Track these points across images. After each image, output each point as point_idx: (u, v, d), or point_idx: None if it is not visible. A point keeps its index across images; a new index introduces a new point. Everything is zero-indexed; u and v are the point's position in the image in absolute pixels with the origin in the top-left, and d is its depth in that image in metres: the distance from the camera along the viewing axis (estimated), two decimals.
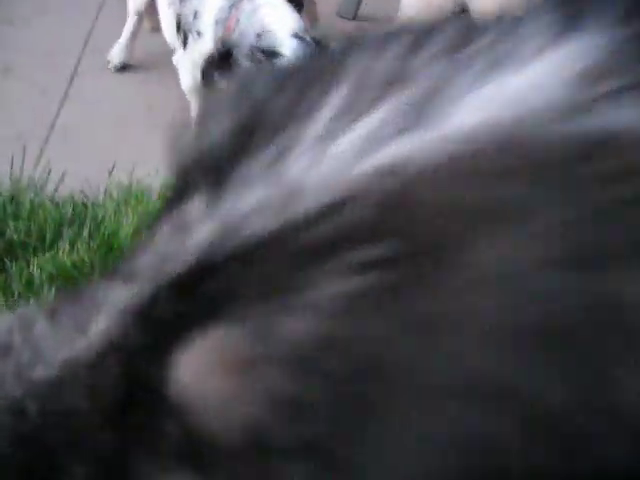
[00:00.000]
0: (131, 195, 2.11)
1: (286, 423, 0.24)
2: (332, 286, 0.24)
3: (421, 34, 0.30)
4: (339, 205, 0.25)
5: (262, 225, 0.26)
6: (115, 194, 2.14)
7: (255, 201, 0.27)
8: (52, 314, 0.32)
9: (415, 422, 0.23)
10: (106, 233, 1.92)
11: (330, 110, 0.28)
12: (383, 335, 0.23)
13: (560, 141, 0.25)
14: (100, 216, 2.01)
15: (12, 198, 2.07)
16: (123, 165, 2.27)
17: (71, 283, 1.78)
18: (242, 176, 0.28)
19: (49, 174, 2.16)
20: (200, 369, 0.26)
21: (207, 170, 0.30)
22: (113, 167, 2.22)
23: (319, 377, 0.24)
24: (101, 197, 2.14)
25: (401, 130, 0.26)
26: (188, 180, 0.31)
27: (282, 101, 0.30)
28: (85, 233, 1.93)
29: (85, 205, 2.08)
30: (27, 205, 2.01)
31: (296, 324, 0.24)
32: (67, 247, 1.86)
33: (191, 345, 0.26)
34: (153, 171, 2.20)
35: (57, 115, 2.64)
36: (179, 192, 0.31)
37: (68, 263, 1.81)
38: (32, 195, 2.09)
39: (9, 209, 2.02)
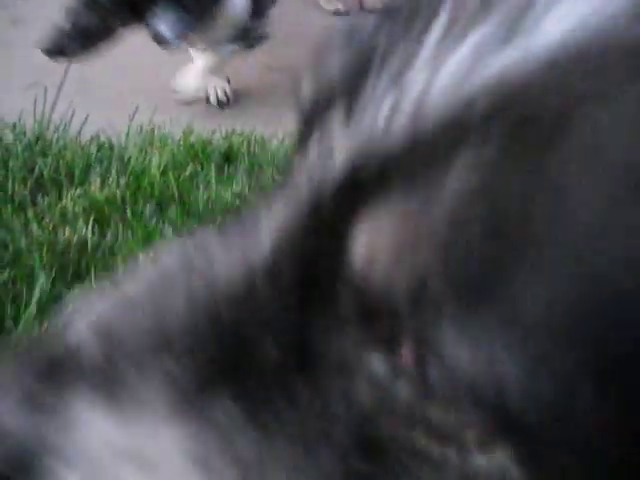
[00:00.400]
0: (154, 138, 2.15)
1: (447, 266, 0.30)
2: (472, 155, 0.30)
3: None
4: (464, 109, 0.31)
5: (399, 132, 0.32)
6: (138, 138, 2.17)
7: (388, 113, 0.33)
8: (224, 237, 0.38)
9: (552, 259, 0.28)
10: (134, 172, 1.96)
11: (436, 34, 0.34)
12: (518, 189, 0.29)
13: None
14: (126, 157, 2.05)
15: (38, 138, 2.10)
16: (140, 112, 2.31)
17: (104, 217, 1.82)
18: (370, 93, 0.34)
19: (72, 116, 2.19)
20: (378, 232, 0.32)
21: (339, 93, 0.36)
22: (135, 111, 2.25)
23: (474, 224, 0.29)
24: (123, 141, 2.17)
25: (502, 43, 0.31)
26: (323, 103, 0.37)
27: (393, 32, 0.36)
28: (113, 172, 1.97)
29: (111, 146, 2.11)
30: (54, 144, 2.04)
31: (451, 186, 0.30)
32: (98, 183, 1.90)
33: (367, 218, 0.32)
34: (174, 118, 2.25)
35: (70, 64, 2.65)
36: (317, 114, 0.37)
37: (101, 197, 1.84)
38: (56, 137, 2.12)
39: (35, 148, 2.04)
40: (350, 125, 0.34)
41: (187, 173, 2.00)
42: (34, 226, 1.77)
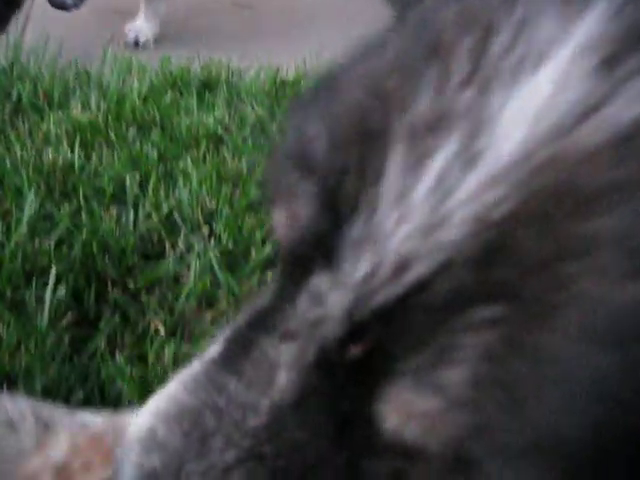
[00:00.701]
0: (132, 66, 2.13)
1: (478, 426, 0.32)
2: (469, 339, 0.31)
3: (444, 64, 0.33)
4: (441, 270, 0.31)
5: (386, 290, 0.32)
6: (114, 66, 2.15)
7: (369, 268, 0.32)
8: (238, 375, 0.39)
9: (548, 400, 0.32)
10: (114, 98, 1.94)
11: (395, 168, 0.32)
12: (518, 372, 0.31)
13: (596, 141, 0.29)
14: (104, 84, 2.03)
15: (13, 63, 2.06)
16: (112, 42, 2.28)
17: (87, 140, 1.81)
18: (348, 245, 0.33)
19: (46, 43, 2.15)
20: (400, 408, 0.33)
21: (317, 247, 0.35)
22: (111, 37, 2.22)
23: (493, 387, 0.31)
24: (100, 68, 2.15)
25: (461, 172, 0.30)
26: (303, 259, 0.36)
27: (351, 170, 0.34)
28: (93, 97, 1.95)
29: (87, 73, 2.08)
30: (31, 69, 2.01)
31: (451, 372, 0.32)
32: (79, 107, 1.88)
33: (386, 391, 0.34)
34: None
35: (31, 7, 2.59)
36: (299, 269, 0.37)
37: (84, 120, 1.83)
38: (32, 62, 2.08)
39: (12, 74, 2.01)
40: (335, 279, 0.34)
41: (167, 100, 1.99)
42: (17, 148, 1.74)
